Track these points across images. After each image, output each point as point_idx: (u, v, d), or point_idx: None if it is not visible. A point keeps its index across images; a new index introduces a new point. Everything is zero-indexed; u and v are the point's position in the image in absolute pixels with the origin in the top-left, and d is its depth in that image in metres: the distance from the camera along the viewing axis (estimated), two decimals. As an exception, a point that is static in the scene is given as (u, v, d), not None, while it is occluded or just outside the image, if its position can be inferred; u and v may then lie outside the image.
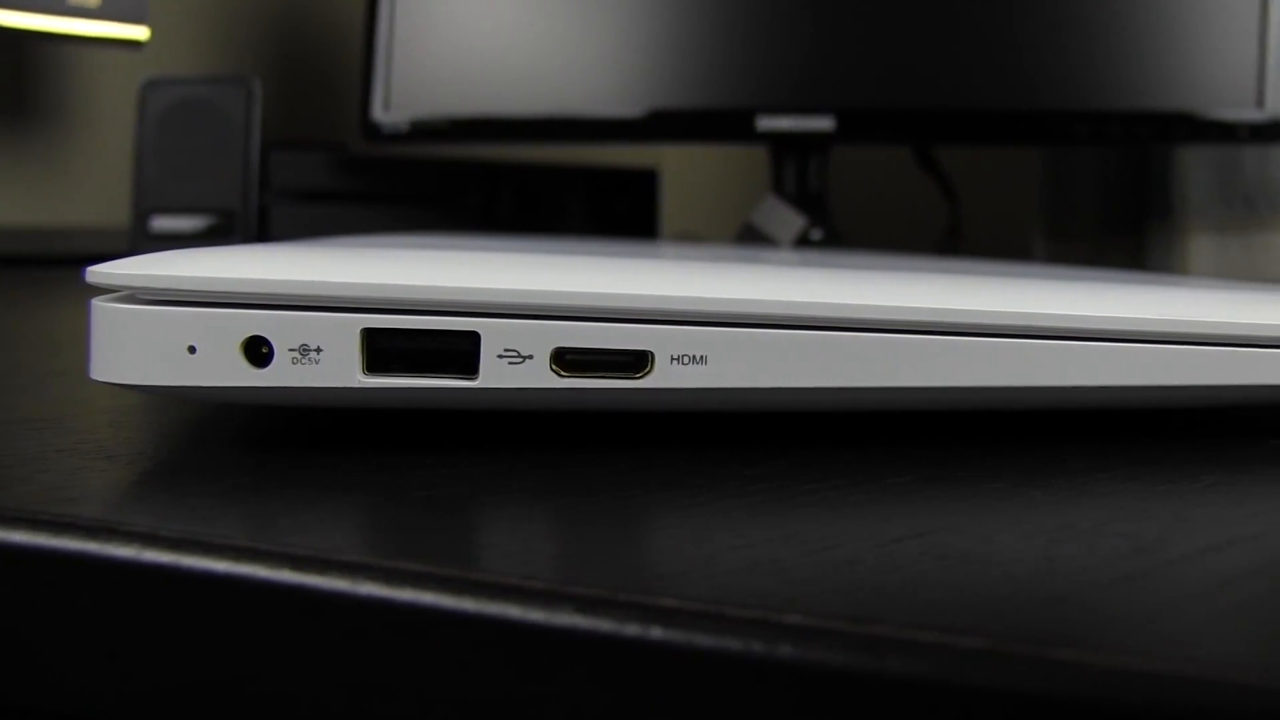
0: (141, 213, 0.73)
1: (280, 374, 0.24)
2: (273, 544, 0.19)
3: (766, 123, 0.74)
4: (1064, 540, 0.20)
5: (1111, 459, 0.26)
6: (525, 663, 0.17)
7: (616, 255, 0.29)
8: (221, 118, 0.73)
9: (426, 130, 0.79)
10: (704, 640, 0.16)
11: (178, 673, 0.19)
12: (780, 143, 0.77)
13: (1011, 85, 0.71)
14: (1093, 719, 0.15)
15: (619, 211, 0.89)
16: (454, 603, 0.17)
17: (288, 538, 0.19)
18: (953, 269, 0.33)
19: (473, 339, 0.24)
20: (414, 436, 0.27)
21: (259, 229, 0.75)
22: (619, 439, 0.27)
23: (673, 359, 0.24)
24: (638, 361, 0.24)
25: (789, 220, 0.75)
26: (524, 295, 0.23)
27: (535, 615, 0.17)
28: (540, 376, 0.24)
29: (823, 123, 0.73)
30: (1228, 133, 0.69)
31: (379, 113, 0.79)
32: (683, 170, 1.13)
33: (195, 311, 0.24)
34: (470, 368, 0.24)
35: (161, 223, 0.73)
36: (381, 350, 0.24)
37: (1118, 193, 0.84)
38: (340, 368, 0.24)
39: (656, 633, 0.16)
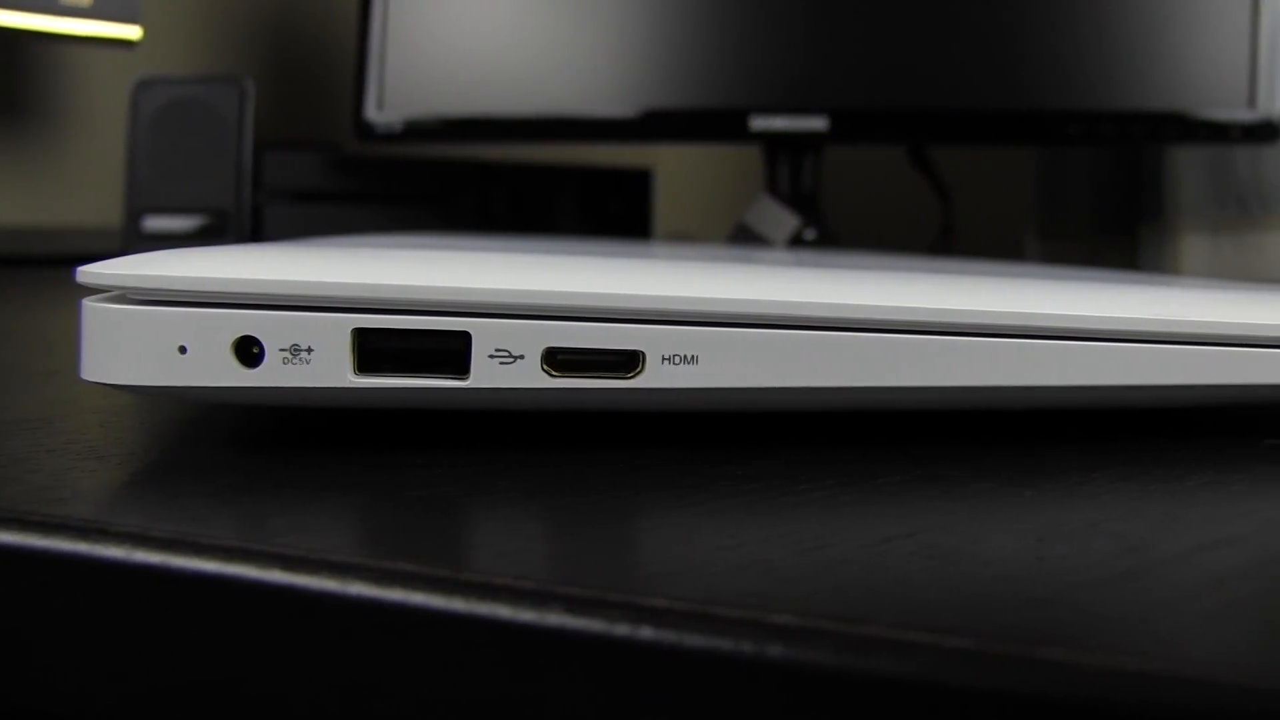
0: (134, 213, 0.73)
1: (271, 374, 0.24)
2: (263, 544, 0.19)
3: (760, 123, 0.74)
4: (1055, 540, 0.20)
5: (1103, 459, 0.26)
6: (516, 663, 0.17)
7: (608, 255, 0.29)
8: (214, 117, 0.73)
9: (420, 130, 0.78)
10: (694, 640, 0.16)
11: (169, 673, 0.19)
12: (774, 142, 0.77)
13: (1005, 85, 0.71)
14: (1084, 718, 0.14)
15: (613, 211, 0.89)
16: (444, 603, 0.17)
17: (279, 538, 0.19)
18: (946, 269, 0.33)
19: (464, 339, 0.24)
20: (406, 436, 0.27)
21: (252, 229, 0.75)
22: (610, 439, 0.27)
23: (664, 359, 0.24)
24: (629, 361, 0.24)
25: (782, 220, 0.75)
26: (515, 295, 0.23)
27: (526, 615, 0.17)
28: (531, 376, 0.24)
29: (816, 122, 0.73)
30: (1220, 132, 0.69)
31: (372, 112, 0.79)
32: (677, 170, 1.13)
33: (186, 311, 0.23)
34: (461, 368, 0.24)
35: (154, 223, 0.73)
36: (372, 350, 0.24)
37: (1111, 193, 0.84)
38: (331, 368, 0.24)
39: (646, 633, 0.16)
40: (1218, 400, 0.27)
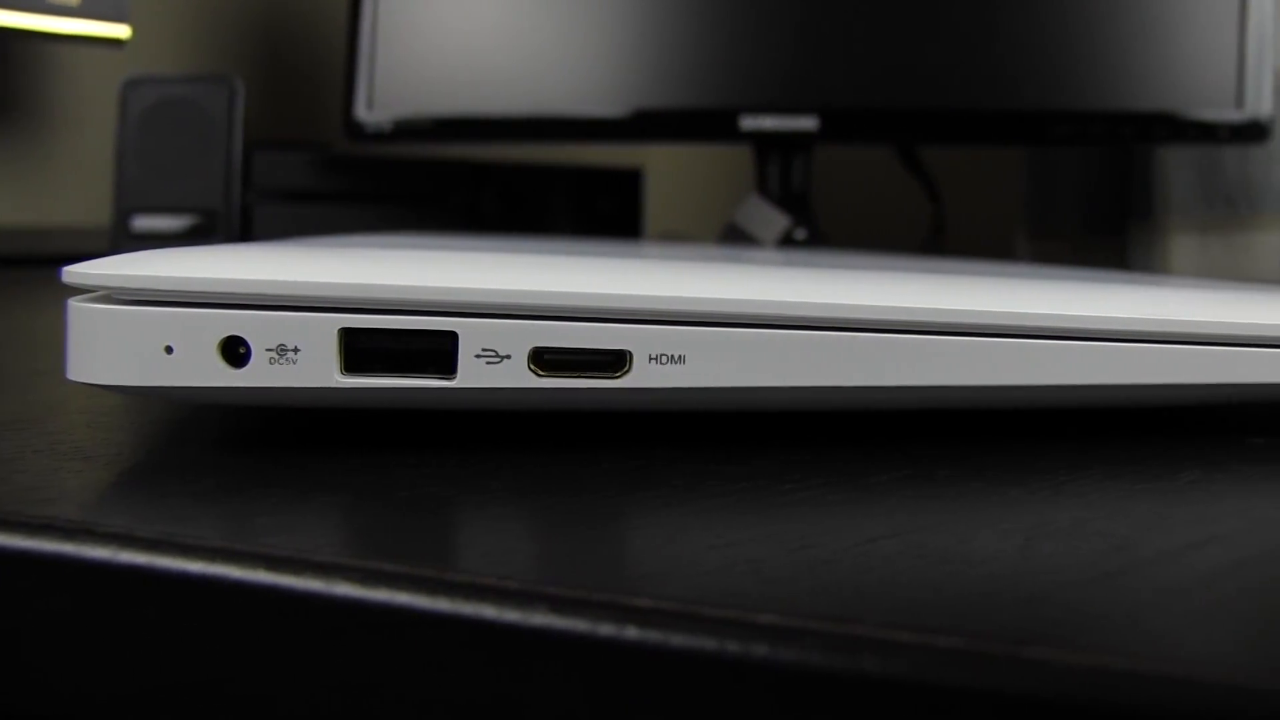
0: (123, 212, 0.73)
1: (258, 374, 0.24)
2: (249, 545, 0.18)
3: (750, 122, 0.74)
4: (1043, 539, 0.20)
5: (1091, 458, 0.26)
6: (502, 663, 0.17)
7: (596, 255, 0.29)
8: (203, 117, 0.73)
9: (410, 130, 0.78)
10: (679, 640, 0.16)
11: (154, 674, 0.19)
12: (764, 142, 0.77)
13: (995, 85, 0.71)
14: (1071, 717, 0.14)
15: (604, 211, 0.89)
16: (429, 603, 0.17)
17: (265, 538, 0.19)
18: (936, 268, 0.33)
19: (451, 339, 0.24)
20: (393, 436, 0.26)
21: (242, 229, 0.74)
22: (597, 439, 0.27)
23: (651, 359, 0.24)
24: (616, 361, 0.24)
25: (772, 220, 0.75)
26: (502, 295, 0.23)
27: (510, 615, 0.17)
28: (518, 376, 0.24)
29: (806, 122, 0.73)
30: (1208, 133, 0.69)
31: (362, 112, 0.79)
32: (667, 170, 1.13)
33: (172, 311, 0.23)
34: (448, 367, 0.24)
35: (143, 222, 0.73)
36: (359, 350, 0.24)
37: (1101, 193, 0.84)
38: (318, 368, 0.24)
39: (632, 633, 0.16)
40: (1209, 399, 0.27)
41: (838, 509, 0.21)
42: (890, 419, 0.29)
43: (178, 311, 0.23)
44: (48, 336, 0.44)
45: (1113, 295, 0.26)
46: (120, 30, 0.79)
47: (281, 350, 0.23)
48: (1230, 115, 0.69)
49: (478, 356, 0.24)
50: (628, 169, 0.92)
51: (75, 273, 0.24)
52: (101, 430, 0.27)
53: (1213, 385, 0.26)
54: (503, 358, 0.24)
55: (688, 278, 0.24)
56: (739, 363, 0.24)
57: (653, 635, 0.16)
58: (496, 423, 0.28)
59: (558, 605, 0.17)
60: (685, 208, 1.12)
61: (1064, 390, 0.26)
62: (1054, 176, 0.86)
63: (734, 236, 0.76)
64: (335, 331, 0.23)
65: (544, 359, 0.24)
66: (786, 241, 0.75)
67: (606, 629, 0.16)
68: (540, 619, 0.16)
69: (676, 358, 0.24)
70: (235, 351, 0.24)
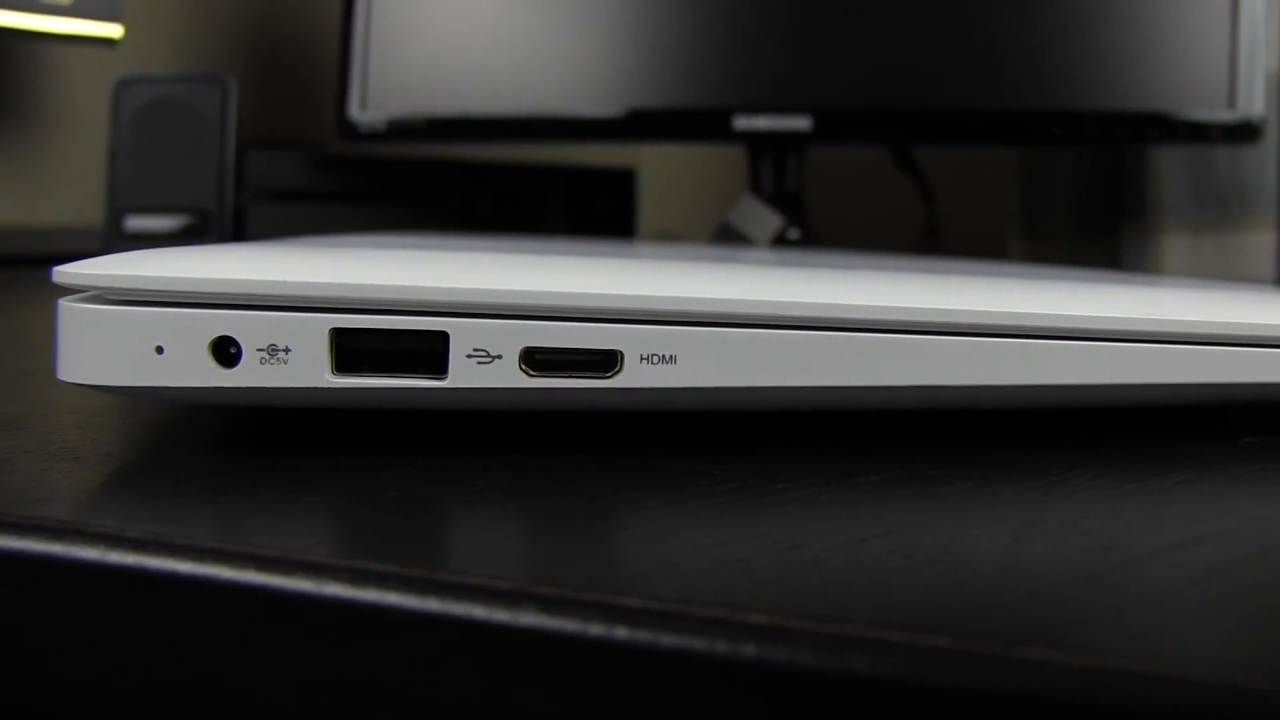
0: (116, 212, 0.73)
1: (249, 374, 0.24)
2: (238, 545, 0.18)
3: (744, 122, 0.74)
4: (1032, 538, 0.20)
5: (1081, 457, 0.26)
6: (491, 663, 0.17)
7: (588, 255, 0.29)
8: (196, 116, 0.72)
9: (403, 129, 0.78)
10: (669, 640, 0.16)
11: (145, 674, 0.19)
12: (757, 142, 0.77)
13: (988, 85, 0.72)
14: (1061, 717, 0.14)
15: (597, 211, 0.89)
16: (419, 603, 0.17)
17: (255, 539, 0.19)
18: (929, 269, 0.33)
19: (442, 339, 0.24)
20: (384, 436, 0.26)
21: (235, 229, 0.74)
22: (589, 438, 0.27)
23: (642, 359, 0.24)
24: (607, 361, 0.24)
25: (766, 220, 0.75)
26: (493, 295, 0.23)
27: (500, 616, 0.17)
28: (509, 376, 0.24)
29: (800, 122, 0.73)
30: (1200, 133, 0.70)
31: (355, 112, 0.79)
32: (661, 170, 1.13)
33: (162, 311, 0.23)
34: (439, 368, 0.24)
35: (136, 222, 0.72)
36: (350, 350, 0.24)
37: (1093, 192, 0.84)
38: (309, 368, 0.24)
39: (621, 633, 0.16)
40: (1202, 399, 0.27)
41: (828, 508, 0.21)
42: (882, 419, 0.29)
43: (168, 311, 0.23)
44: (39, 337, 0.44)
45: (1105, 295, 0.26)
46: (113, 30, 0.79)
47: (272, 350, 0.23)
48: (1222, 115, 0.69)
49: (469, 356, 0.24)
50: (621, 169, 0.92)
51: (66, 273, 0.24)
52: (92, 431, 0.27)
53: (1206, 385, 0.26)
54: (494, 358, 0.24)
55: (679, 278, 0.24)
56: (730, 363, 0.24)
57: (642, 635, 0.16)
58: (486, 423, 0.28)
59: (547, 605, 0.17)
60: (679, 208, 1.12)
61: (1056, 390, 0.26)
62: (1047, 176, 0.86)
63: (727, 236, 0.76)
64: (326, 331, 0.23)
65: (535, 359, 0.24)
66: (780, 241, 0.75)
67: (596, 629, 0.16)
68: (530, 619, 0.16)
69: (668, 358, 0.24)
70: (226, 351, 0.24)
